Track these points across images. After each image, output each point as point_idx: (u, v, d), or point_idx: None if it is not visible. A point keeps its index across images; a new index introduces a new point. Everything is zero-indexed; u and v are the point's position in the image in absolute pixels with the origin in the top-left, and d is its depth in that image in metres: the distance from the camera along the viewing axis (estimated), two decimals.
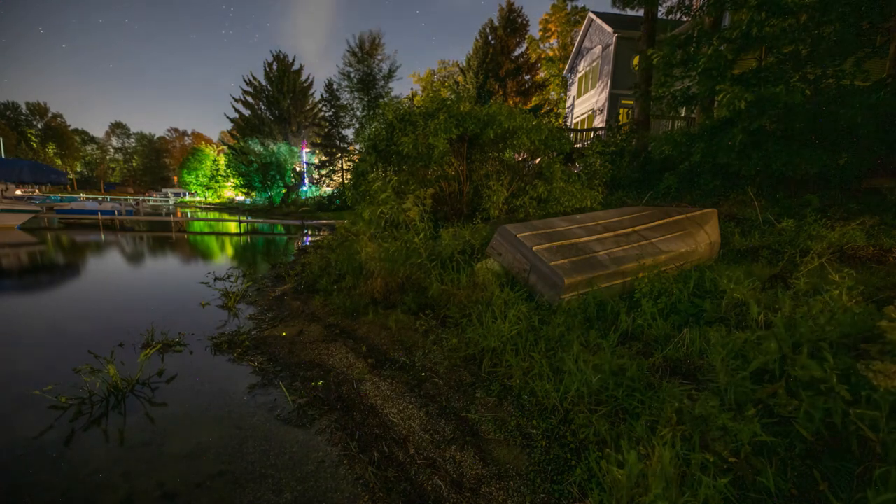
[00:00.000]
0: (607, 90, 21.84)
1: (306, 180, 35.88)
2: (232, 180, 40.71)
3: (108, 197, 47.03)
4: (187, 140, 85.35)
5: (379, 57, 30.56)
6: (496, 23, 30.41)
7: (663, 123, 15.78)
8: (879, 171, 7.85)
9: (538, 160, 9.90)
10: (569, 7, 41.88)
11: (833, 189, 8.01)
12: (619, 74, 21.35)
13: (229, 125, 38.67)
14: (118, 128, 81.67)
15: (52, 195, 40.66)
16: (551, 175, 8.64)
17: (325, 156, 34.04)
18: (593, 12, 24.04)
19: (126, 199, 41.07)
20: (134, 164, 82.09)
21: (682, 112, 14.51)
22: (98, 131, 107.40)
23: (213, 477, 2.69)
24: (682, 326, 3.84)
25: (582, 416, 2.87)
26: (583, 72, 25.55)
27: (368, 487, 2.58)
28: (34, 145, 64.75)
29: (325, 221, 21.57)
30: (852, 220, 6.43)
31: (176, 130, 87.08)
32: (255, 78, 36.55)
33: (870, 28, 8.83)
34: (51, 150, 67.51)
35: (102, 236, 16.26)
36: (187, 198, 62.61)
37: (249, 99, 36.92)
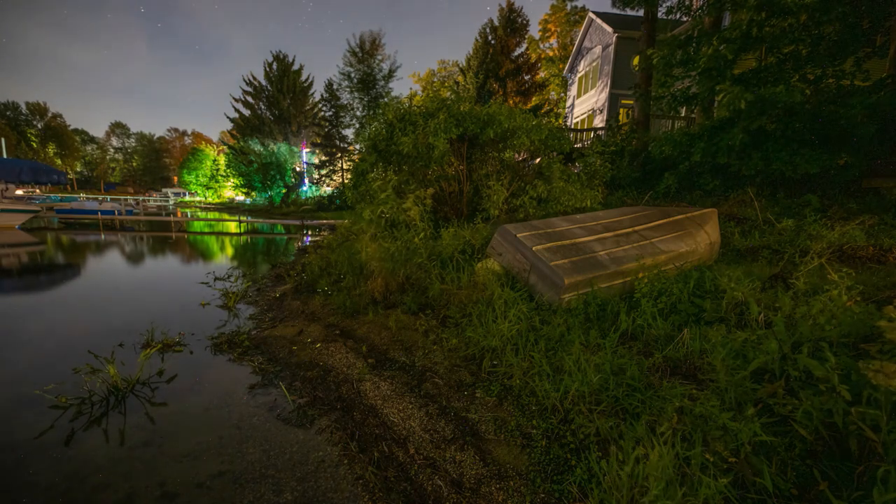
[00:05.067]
0: (607, 90, 21.84)
1: (306, 180, 35.88)
2: (232, 180, 40.74)
3: (108, 197, 47.01)
4: (187, 140, 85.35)
5: (379, 57, 30.59)
6: (496, 23, 30.42)
7: (663, 123, 15.78)
8: (879, 171, 7.85)
9: (538, 160, 9.89)
10: (569, 7, 41.91)
11: (833, 189, 8.00)
12: (619, 74, 21.35)
13: (229, 125, 38.69)
14: (118, 128, 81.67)
15: (52, 195, 40.64)
16: (551, 175, 8.64)
17: (325, 156, 34.04)
18: (593, 12, 24.05)
19: (126, 199, 41.06)
20: (134, 164, 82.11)
21: (682, 112, 14.52)
22: (98, 131, 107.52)
23: (214, 477, 2.69)
24: (682, 326, 3.84)
25: (582, 415, 2.87)
26: (583, 72, 25.55)
27: (368, 487, 2.58)
28: (34, 145, 64.74)
29: (325, 221, 21.57)
30: (852, 220, 6.43)
31: (176, 130, 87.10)
32: (254, 78, 36.58)
33: (870, 28, 8.83)
34: (51, 150, 67.50)
35: (102, 236, 16.26)
36: (187, 198, 62.60)
37: (249, 99, 36.92)
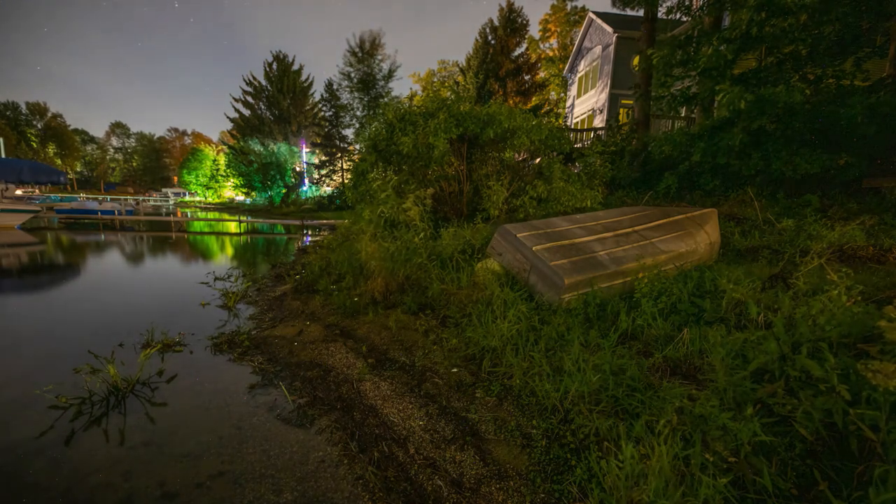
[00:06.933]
0: (607, 90, 21.85)
1: (306, 180, 35.88)
2: (232, 180, 40.76)
3: (108, 197, 47.03)
4: (187, 140, 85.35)
5: (379, 57, 30.59)
6: (496, 23, 30.41)
7: (663, 123, 15.78)
8: (879, 171, 7.84)
9: (538, 160, 9.90)
10: (569, 7, 41.92)
11: (833, 189, 8.00)
12: (619, 74, 21.36)
13: (229, 125, 38.68)
14: (118, 128, 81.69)
15: (52, 195, 40.68)
16: (551, 175, 8.64)
17: (325, 156, 34.04)
18: (593, 12, 24.05)
19: (126, 199, 41.08)
20: (134, 164, 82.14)
21: (682, 112, 14.51)
22: (98, 131, 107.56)
23: (214, 477, 2.69)
24: (682, 326, 3.84)
25: (582, 415, 2.87)
26: (583, 72, 25.55)
27: (368, 487, 2.58)
28: (34, 145, 64.72)
29: (325, 221, 21.57)
30: (852, 220, 6.42)
31: (176, 130, 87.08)
32: (254, 78, 36.57)
33: (870, 28, 8.83)
34: (51, 150, 67.49)
35: (102, 236, 16.26)
36: (187, 198, 62.63)
37: (249, 99, 36.92)
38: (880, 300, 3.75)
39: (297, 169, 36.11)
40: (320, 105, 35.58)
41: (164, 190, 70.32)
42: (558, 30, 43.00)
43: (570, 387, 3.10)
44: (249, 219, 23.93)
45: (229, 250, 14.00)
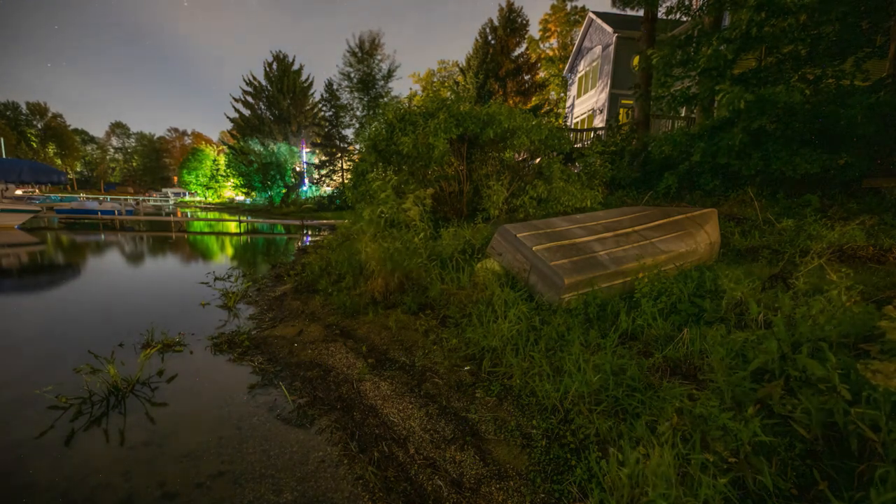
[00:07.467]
0: (607, 90, 21.84)
1: (306, 180, 35.88)
2: (232, 180, 40.75)
3: (108, 197, 47.04)
4: (187, 140, 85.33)
5: (378, 57, 30.61)
6: (496, 23, 30.41)
7: (663, 123, 15.77)
8: (879, 171, 7.84)
9: (538, 160, 9.90)
10: (569, 7, 41.92)
11: (833, 189, 8.00)
12: (619, 74, 21.35)
13: (229, 125, 38.67)
14: (118, 128, 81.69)
15: (52, 195, 40.69)
16: (551, 175, 8.64)
17: (325, 156, 34.04)
18: (593, 12, 24.05)
19: (126, 199, 41.08)
20: (134, 164, 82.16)
21: (682, 112, 14.51)
22: (98, 131, 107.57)
23: (213, 477, 2.69)
24: (682, 326, 3.84)
25: (582, 416, 2.87)
26: (583, 72, 25.55)
27: (368, 487, 2.58)
28: (34, 145, 64.71)
29: (325, 221, 21.57)
30: (852, 220, 6.42)
31: (176, 130, 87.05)
32: (254, 78, 36.55)
33: (870, 28, 8.83)
34: (51, 150, 67.49)
35: (102, 236, 16.26)
36: (187, 198, 62.61)
37: (249, 99, 36.91)
38: (880, 300, 3.75)
39: (297, 169, 36.11)
40: (320, 105, 35.58)
41: (164, 190, 70.24)
42: (558, 30, 43.00)
43: (570, 387, 3.10)
44: (249, 219, 23.92)
45: (229, 250, 14.00)
